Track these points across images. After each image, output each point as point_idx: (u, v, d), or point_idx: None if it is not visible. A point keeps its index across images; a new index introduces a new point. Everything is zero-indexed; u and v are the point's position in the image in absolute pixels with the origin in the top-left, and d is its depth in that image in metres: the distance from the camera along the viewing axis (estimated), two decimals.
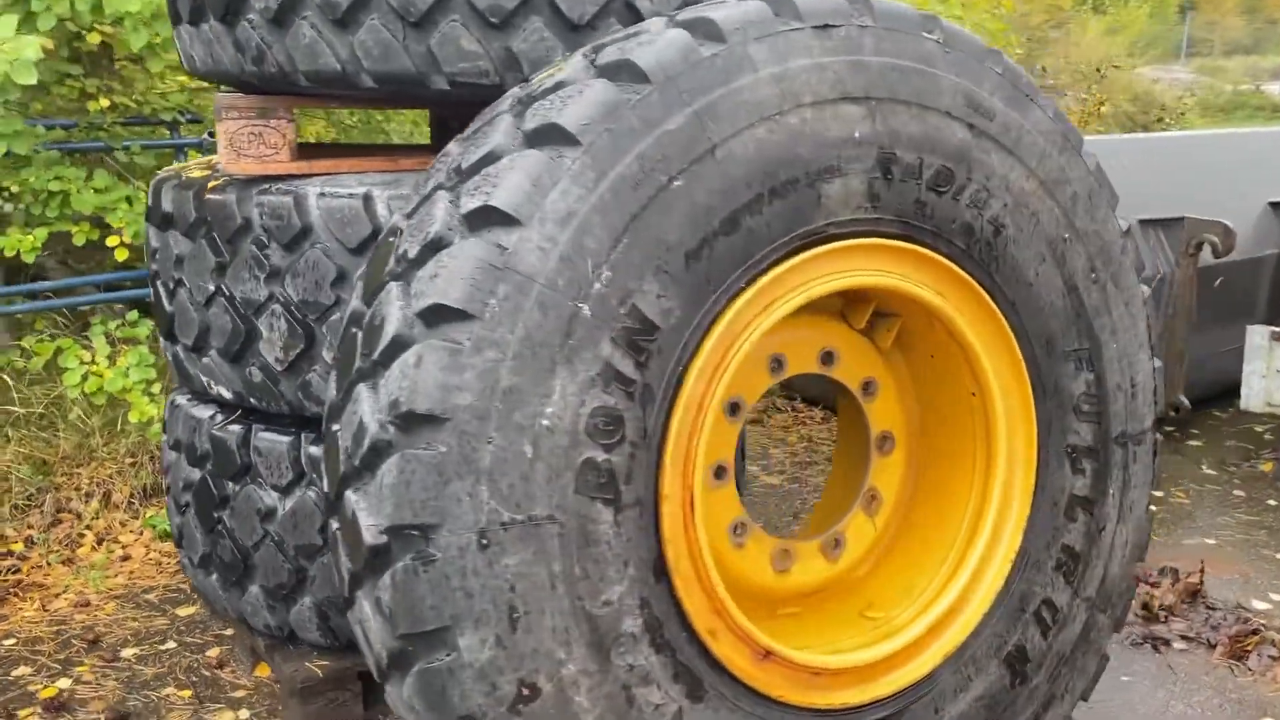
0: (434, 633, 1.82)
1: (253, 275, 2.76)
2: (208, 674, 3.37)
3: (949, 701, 2.35)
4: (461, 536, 1.80)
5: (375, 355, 1.88)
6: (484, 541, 1.81)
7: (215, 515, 2.96)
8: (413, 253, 1.90)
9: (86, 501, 4.49)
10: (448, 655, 1.82)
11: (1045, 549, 2.44)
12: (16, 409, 4.67)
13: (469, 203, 1.85)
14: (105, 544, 4.30)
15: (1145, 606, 3.74)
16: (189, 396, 3.14)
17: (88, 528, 4.38)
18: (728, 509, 2.30)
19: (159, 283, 3.09)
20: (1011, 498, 2.40)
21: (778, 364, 2.32)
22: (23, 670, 3.43)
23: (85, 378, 4.57)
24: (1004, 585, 2.40)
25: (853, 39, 2.08)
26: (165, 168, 3.49)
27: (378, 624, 1.88)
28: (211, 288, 2.86)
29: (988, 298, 2.30)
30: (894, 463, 2.50)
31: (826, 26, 2.06)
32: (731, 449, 2.29)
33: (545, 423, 1.83)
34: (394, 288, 1.91)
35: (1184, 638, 3.59)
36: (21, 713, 3.18)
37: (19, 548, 4.23)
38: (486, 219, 1.83)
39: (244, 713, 3.16)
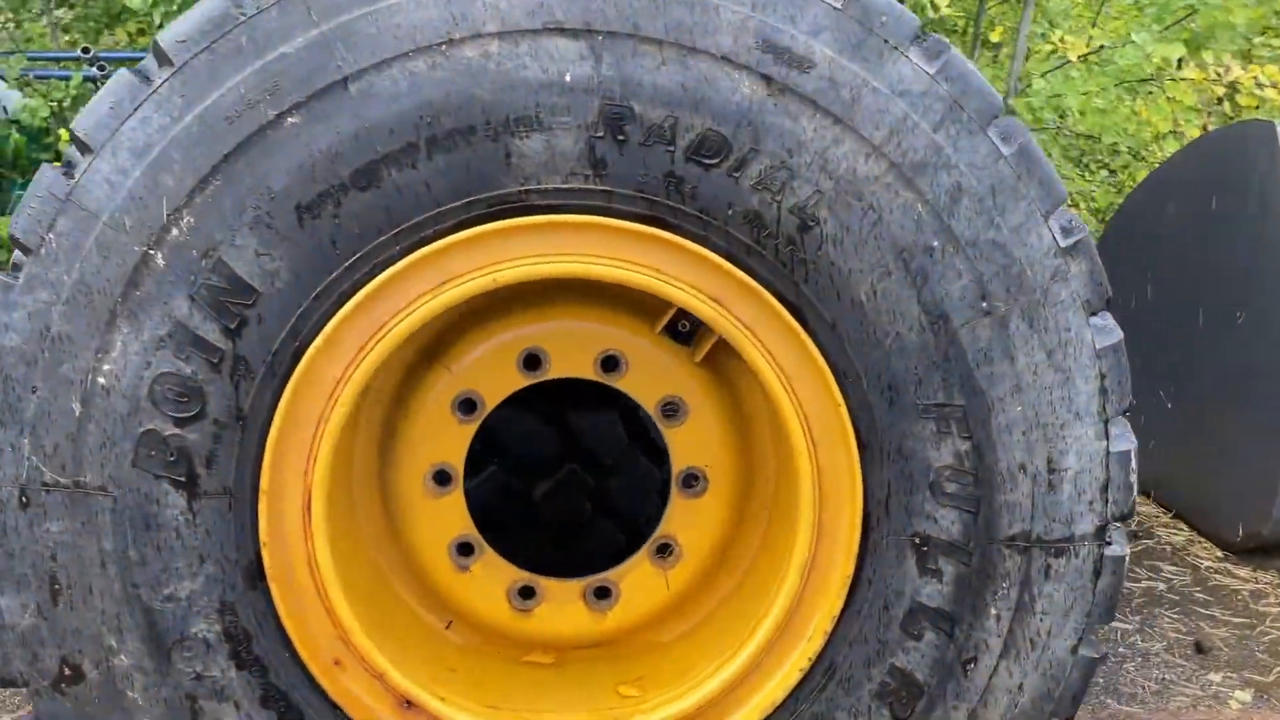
0: None
1: None
2: None
3: None
4: (2, 490, 1.64)
5: None
6: (24, 500, 1.64)
7: None
8: None
9: None
10: None
11: (864, 666, 1.79)
12: None
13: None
14: None
15: None
16: None
17: None
18: (450, 524, 1.92)
19: None
20: (821, 586, 1.78)
21: (535, 361, 1.88)
22: None
23: None
24: (786, 699, 1.79)
25: None
26: None
27: None
28: None
29: (789, 315, 1.69)
30: (706, 509, 1.95)
31: None
32: (459, 453, 1.90)
33: (101, 381, 1.61)
34: None
35: None
36: None
37: None
38: (80, 143, 1.63)
39: None
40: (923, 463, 1.74)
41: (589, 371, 1.89)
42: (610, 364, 1.89)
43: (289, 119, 1.58)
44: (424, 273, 1.65)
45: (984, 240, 1.68)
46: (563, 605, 1.97)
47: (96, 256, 1.59)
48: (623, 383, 1.90)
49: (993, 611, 1.78)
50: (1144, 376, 4.45)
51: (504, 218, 1.64)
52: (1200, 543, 4.15)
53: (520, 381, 1.89)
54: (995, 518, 1.75)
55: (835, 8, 1.63)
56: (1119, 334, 1.76)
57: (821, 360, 1.71)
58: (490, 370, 1.88)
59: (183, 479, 1.65)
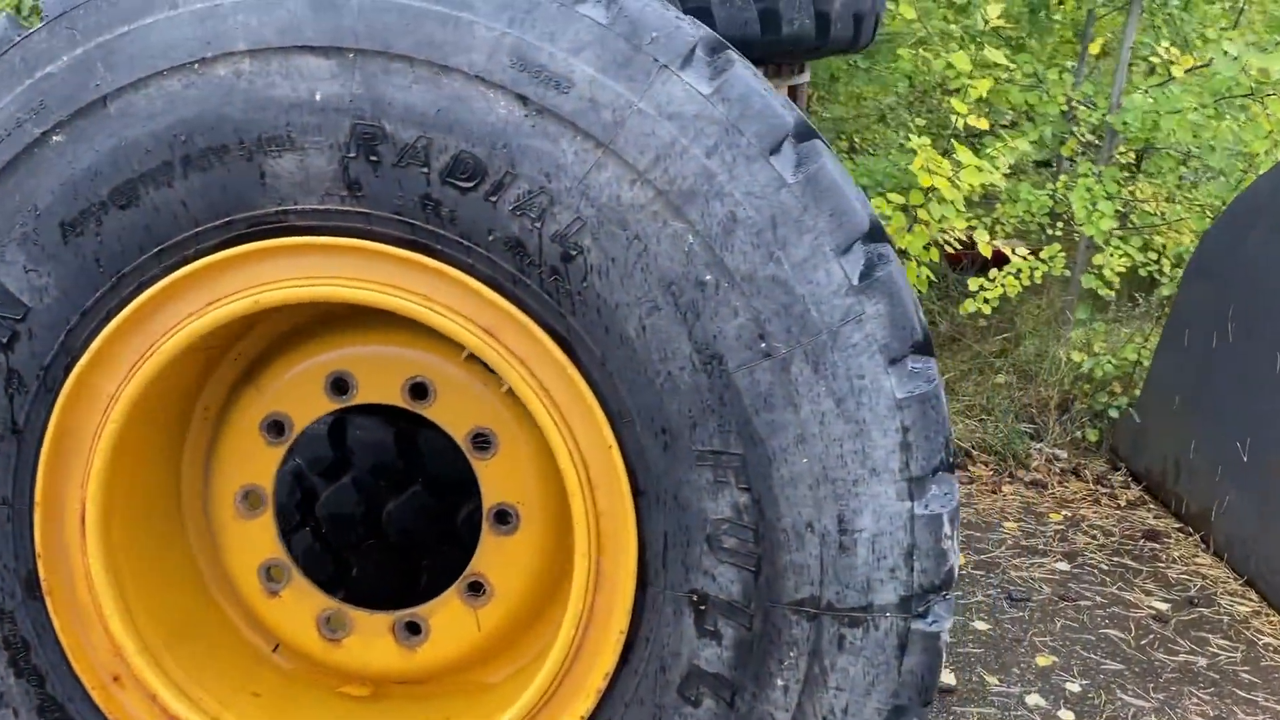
0: None
1: None
2: None
3: None
4: None
5: None
6: None
7: None
8: None
9: None
10: None
11: None
12: None
13: None
14: None
15: None
16: None
17: None
18: (260, 546, 1.90)
19: None
20: (597, 642, 1.67)
21: (342, 386, 1.84)
22: None
23: None
24: None
25: None
26: None
27: None
28: None
29: (559, 350, 1.60)
30: (518, 548, 1.86)
31: None
32: (268, 475, 1.88)
33: None
34: None
35: None
36: None
37: None
38: None
39: None
40: (699, 514, 1.60)
41: (397, 398, 1.84)
42: (419, 391, 1.83)
43: (54, 137, 1.60)
44: (188, 293, 1.64)
45: (761, 276, 1.54)
46: (371, 638, 1.91)
47: None
48: (431, 411, 1.84)
49: (779, 682, 1.62)
50: (1222, 426, 4.04)
51: (263, 238, 1.62)
52: (1267, 615, 3.72)
53: (327, 405, 1.86)
54: (779, 579, 1.60)
55: (600, 24, 1.53)
56: (930, 383, 1.57)
57: (593, 398, 1.60)
58: (298, 393, 1.86)
59: None
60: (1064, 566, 3.94)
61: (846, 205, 1.55)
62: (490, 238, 1.57)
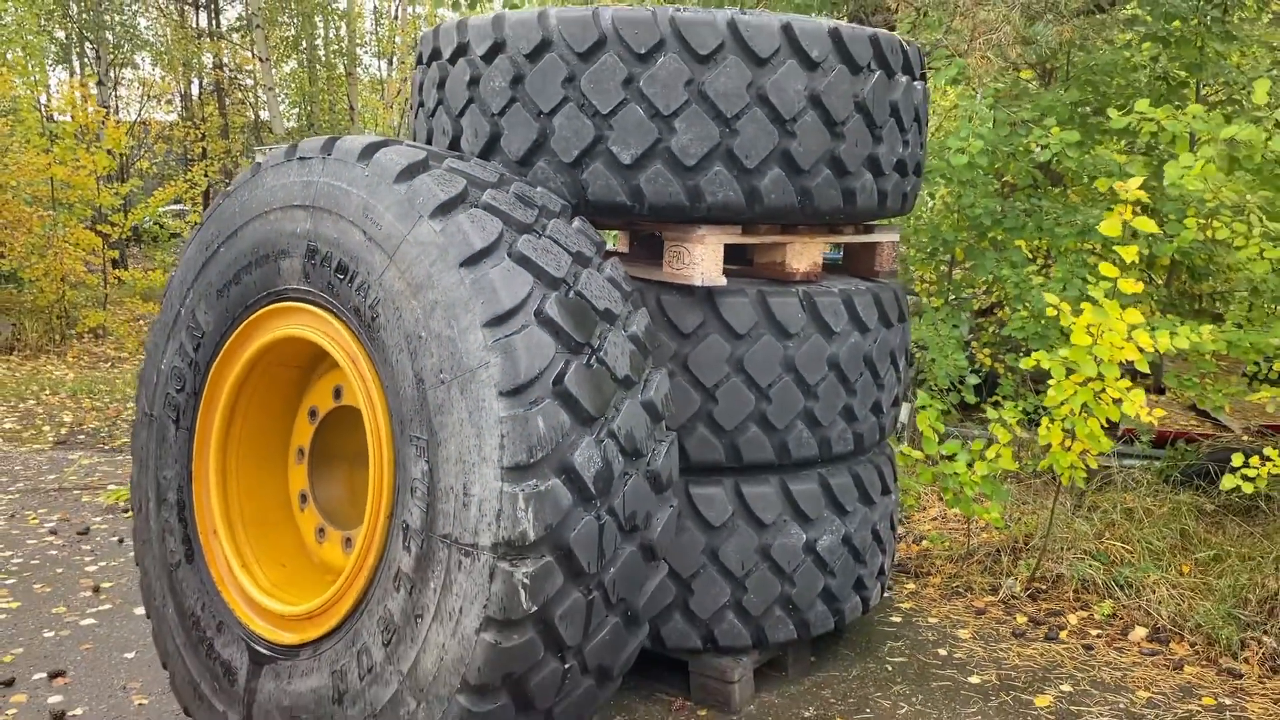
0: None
1: None
2: None
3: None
4: (139, 413, 3.57)
5: None
6: (140, 419, 3.54)
7: None
8: None
9: None
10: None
11: (378, 602, 2.76)
12: None
13: None
14: None
15: None
16: None
17: None
18: (300, 481, 3.35)
19: None
20: (377, 545, 2.82)
21: (339, 393, 3.24)
22: None
23: None
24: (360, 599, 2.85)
25: (312, 165, 3.02)
26: None
27: None
28: None
29: (370, 373, 2.84)
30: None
31: (304, 159, 3.05)
32: (308, 440, 3.33)
33: (164, 366, 3.45)
34: None
35: None
36: None
37: None
38: None
39: None
40: (408, 473, 2.71)
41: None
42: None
43: (221, 248, 3.27)
44: (257, 328, 3.18)
45: (444, 335, 2.64)
46: (333, 545, 3.24)
47: (166, 308, 3.45)
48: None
49: (432, 585, 2.63)
50: None
51: (277, 301, 3.10)
52: None
53: (331, 404, 3.26)
54: (436, 519, 2.63)
55: (399, 193, 2.79)
56: (522, 410, 2.53)
57: (381, 402, 2.81)
58: (321, 394, 3.29)
59: (175, 418, 3.38)
60: None
61: (494, 299, 2.60)
62: (349, 305, 2.88)
